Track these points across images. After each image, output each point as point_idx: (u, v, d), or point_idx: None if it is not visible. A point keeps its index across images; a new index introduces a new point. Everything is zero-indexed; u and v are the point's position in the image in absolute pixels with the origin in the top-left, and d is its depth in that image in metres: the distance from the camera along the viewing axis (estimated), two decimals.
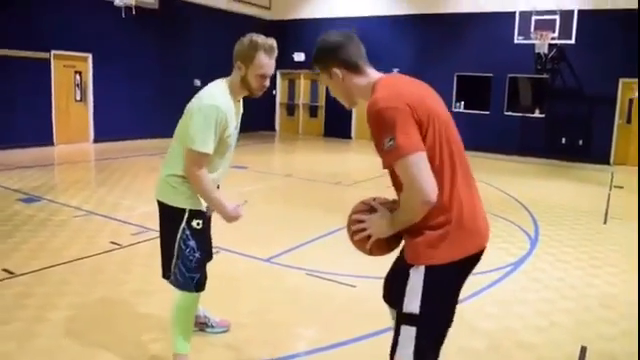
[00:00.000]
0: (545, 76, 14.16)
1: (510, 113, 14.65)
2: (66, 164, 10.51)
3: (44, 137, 12.30)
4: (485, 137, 14.26)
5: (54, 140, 12.54)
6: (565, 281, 4.76)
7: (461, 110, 14.89)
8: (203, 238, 2.94)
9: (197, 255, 2.88)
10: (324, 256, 5.19)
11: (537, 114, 14.45)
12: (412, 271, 1.98)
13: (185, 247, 2.85)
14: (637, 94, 13.02)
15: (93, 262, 4.78)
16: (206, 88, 2.82)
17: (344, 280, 4.47)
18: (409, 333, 1.98)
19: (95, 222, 6.11)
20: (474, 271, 2.10)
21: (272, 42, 2.78)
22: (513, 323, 3.84)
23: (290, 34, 18.08)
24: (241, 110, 3.03)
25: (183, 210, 2.83)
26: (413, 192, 1.86)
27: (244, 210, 2.92)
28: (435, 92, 2.13)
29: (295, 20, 18.16)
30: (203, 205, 2.90)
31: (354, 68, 2.11)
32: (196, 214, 2.86)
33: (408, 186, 1.87)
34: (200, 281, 2.92)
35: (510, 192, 8.85)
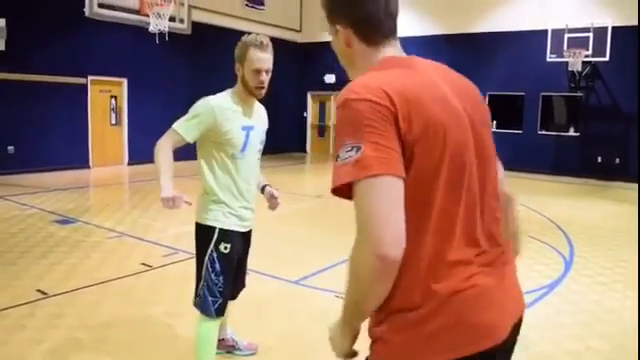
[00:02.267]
0: (579, 94, 13.93)
1: (544, 132, 14.44)
2: (101, 186, 10.73)
3: (81, 160, 12.63)
4: (518, 156, 14.04)
5: (90, 163, 12.84)
6: (601, 304, 4.62)
7: (494, 129, 14.57)
8: (230, 264, 2.90)
9: (221, 279, 2.86)
10: None
11: (572, 132, 14.20)
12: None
13: (212, 270, 2.84)
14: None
15: (124, 283, 4.84)
16: None
17: None
18: None
19: (127, 244, 6.19)
20: None
21: (262, 38, 2.85)
22: (547, 348, 3.73)
23: (320, 56, 18.22)
24: (262, 115, 3.11)
25: (212, 229, 2.83)
26: (363, 237, 1.18)
27: (182, 206, 2.67)
28: (469, 90, 1.45)
29: (325, 42, 18.20)
30: (234, 226, 2.89)
31: (366, 36, 1.43)
32: (225, 236, 2.85)
33: (359, 227, 1.20)
34: (221, 307, 2.89)
35: (544, 212, 8.68)
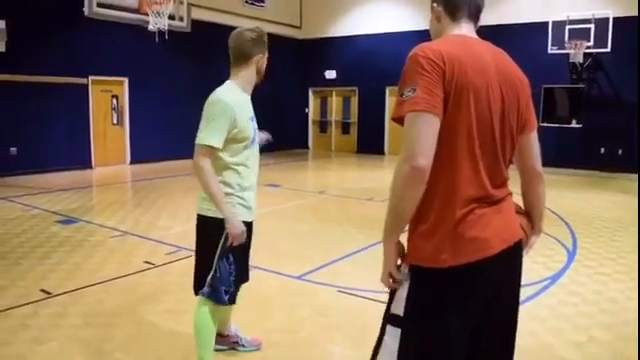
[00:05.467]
0: (581, 86, 13.88)
1: (546, 124, 14.38)
2: (103, 186, 10.75)
3: (83, 160, 12.64)
4: None
5: (92, 163, 12.87)
6: (604, 295, 4.61)
7: None
8: (240, 253, 2.98)
9: (234, 268, 2.95)
10: (355, 273, 5.15)
11: (574, 124, 14.14)
12: (402, 268, 1.82)
13: (225, 260, 2.92)
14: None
15: (127, 282, 4.85)
16: (215, 91, 2.93)
17: (375, 297, 4.42)
18: (395, 333, 1.80)
19: (130, 242, 6.21)
20: None
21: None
22: (550, 339, 3.73)
23: (321, 52, 18.24)
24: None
25: (222, 221, 2.85)
26: (404, 152, 1.64)
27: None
28: (510, 72, 1.86)
29: (325, 38, 18.29)
30: (242, 216, 2.94)
31: (452, 12, 1.90)
32: None
33: (404, 146, 1.66)
34: (234, 295, 3.00)
35: (547, 204, 8.60)
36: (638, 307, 4.12)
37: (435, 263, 1.73)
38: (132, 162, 13.70)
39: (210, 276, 2.94)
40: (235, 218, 2.84)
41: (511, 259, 1.86)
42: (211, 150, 2.79)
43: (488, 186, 1.77)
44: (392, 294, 1.85)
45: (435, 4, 1.93)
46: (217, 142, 2.79)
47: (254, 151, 3.03)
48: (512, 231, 1.86)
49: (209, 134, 2.78)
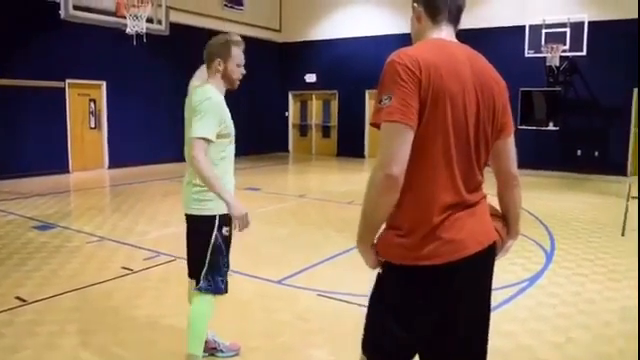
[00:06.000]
0: (558, 89, 14.07)
1: (524, 127, 14.53)
2: (81, 191, 10.61)
3: (60, 165, 12.46)
4: None
5: (70, 168, 12.69)
6: (582, 295, 4.66)
7: None
8: (229, 244, 3.18)
9: (226, 259, 3.14)
10: (336, 276, 5.15)
11: (551, 127, 14.34)
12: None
13: (219, 252, 3.07)
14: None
15: (104, 288, 4.78)
16: (197, 91, 3.05)
17: (356, 300, 4.41)
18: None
19: (108, 248, 6.12)
20: None
21: (239, 37, 3.16)
22: (529, 340, 3.75)
23: (301, 56, 18.24)
24: None
25: (213, 217, 3.04)
26: (379, 160, 1.70)
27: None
28: (486, 76, 1.88)
29: (305, 42, 18.29)
30: (223, 209, 3.04)
31: (432, 14, 1.92)
32: (225, 221, 3.07)
33: (378, 154, 1.72)
34: (227, 283, 3.18)
35: (525, 206, 8.73)
36: (638, 306, 4.15)
37: (408, 261, 1.79)
38: (110, 166, 13.55)
39: (205, 270, 3.07)
40: (237, 201, 2.93)
41: (484, 261, 1.90)
42: (206, 142, 2.89)
43: (463, 192, 1.81)
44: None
45: (416, 4, 1.95)
46: (211, 134, 2.91)
47: (233, 147, 3.18)
48: (486, 234, 1.89)
49: (204, 127, 2.89)
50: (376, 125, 1.75)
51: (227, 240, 3.15)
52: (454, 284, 1.82)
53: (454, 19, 1.93)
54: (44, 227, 7.10)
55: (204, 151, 2.87)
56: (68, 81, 12.55)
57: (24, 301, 4.39)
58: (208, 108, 2.92)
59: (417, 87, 1.69)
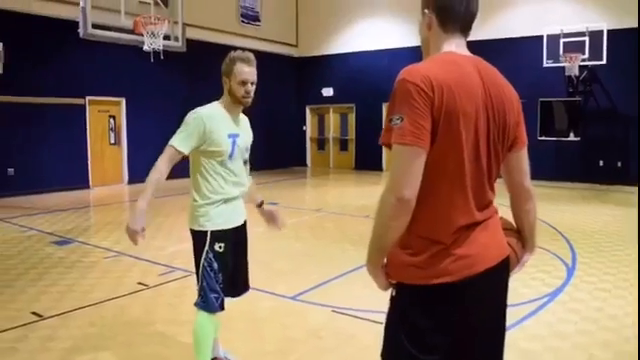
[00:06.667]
0: (578, 99, 13.89)
1: (544, 138, 14.37)
2: (100, 206, 10.70)
3: (80, 180, 12.61)
4: None
5: (90, 183, 12.83)
6: (604, 311, 4.54)
7: None
8: (226, 261, 3.08)
9: (221, 276, 3.04)
10: (351, 292, 5.08)
11: (572, 137, 14.14)
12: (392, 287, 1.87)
13: (210, 269, 3.02)
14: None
15: (119, 303, 4.78)
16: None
17: (371, 317, 4.35)
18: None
19: (124, 263, 6.14)
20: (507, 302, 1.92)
21: (247, 54, 3.08)
22: (549, 358, 3.65)
23: (318, 70, 18.30)
24: (247, 126, 3.28)
25: (205, 233, 3.03)
26: (390, 183, 1.65)
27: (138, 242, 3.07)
28: (500, 91, 1.81)
29: (322, 56, 18.35)
30: (224, 225, 3.06)
31: (444, 23, 1.81)
32: (218, 237, 3.03)
33: (389, 176, 1.67)
34: (222, 302, 3.07)
35: (546, 219, 8.59)
36: (638, 308, 4.04)
37: (421, 280, 1.74)
38: (130, 182, 13.66)
39: (199, 286, 3.06)
40: (139, 215, 2.92)
41: (499, 276, 1.85)
42: (175, 152, 2.95)
43: (475, 211, 1.77)
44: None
45: (427, 10, 1.85)
46: (183, 147, 2.95)
47: (235, 167, 3.12)
48: (499, 248, 1.84)
49: (176, 137, 2.98)
50: (386, 145, 1.71)
51: (221, 257, 3.05)
52: (469, 300, 1.76)
53: (466, 28, 1.84)
54: (63, 242, 7.15)
55: (168, 158, 2.94)
56: (88, 98, 12.74)
57: (40, 316, 4.40)
58: (188, 122, 2.99)
59: (429, 107, 1.63)
